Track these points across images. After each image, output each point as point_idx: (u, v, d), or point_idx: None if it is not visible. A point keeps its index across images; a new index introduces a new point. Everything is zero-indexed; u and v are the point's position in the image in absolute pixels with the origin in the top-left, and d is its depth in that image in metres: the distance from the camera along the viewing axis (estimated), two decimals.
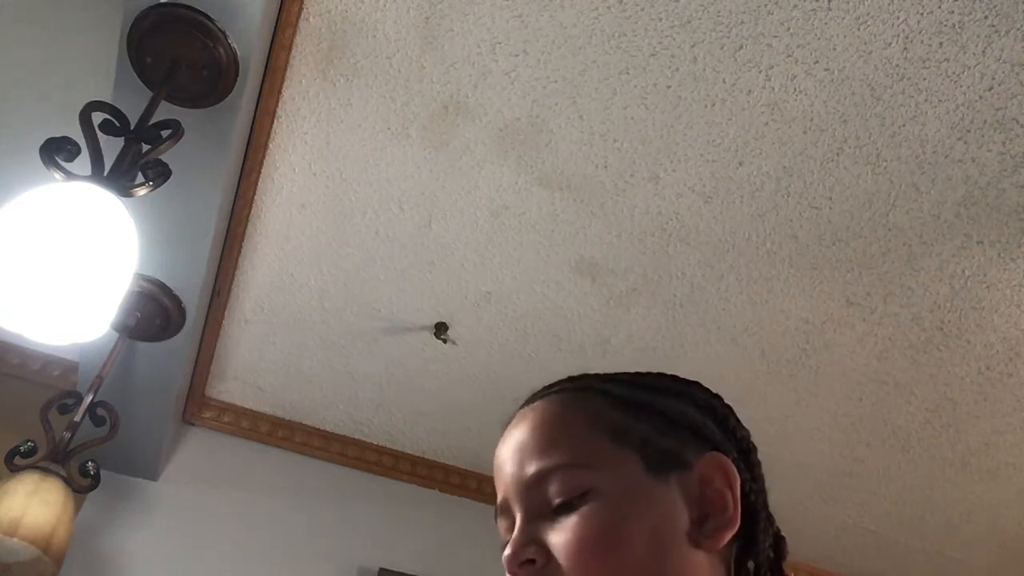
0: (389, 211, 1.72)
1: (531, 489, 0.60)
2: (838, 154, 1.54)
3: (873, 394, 2.02)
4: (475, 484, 2.35)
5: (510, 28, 1.42)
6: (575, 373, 0.69)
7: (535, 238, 1.75)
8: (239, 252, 1.80)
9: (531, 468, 0.60)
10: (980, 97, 1.43)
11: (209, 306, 1.87)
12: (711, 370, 1.97)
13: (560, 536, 0.57)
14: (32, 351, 2.10)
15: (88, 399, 1.59)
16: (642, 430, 0.62)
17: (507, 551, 0.59)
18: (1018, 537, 2.40)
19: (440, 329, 1.94)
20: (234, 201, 1.66)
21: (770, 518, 0.65)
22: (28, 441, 1.55)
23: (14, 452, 1.53)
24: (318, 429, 2.26)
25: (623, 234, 1.72)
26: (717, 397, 0.68)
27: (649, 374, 0.69)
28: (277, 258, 1.84)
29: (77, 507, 1.62)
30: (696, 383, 0.69)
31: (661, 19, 1.38)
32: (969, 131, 1.48)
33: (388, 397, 2.15)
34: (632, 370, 0.70)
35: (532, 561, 0.57)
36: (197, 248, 1.58)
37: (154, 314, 1.66)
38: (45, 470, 1.52)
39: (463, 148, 1.60)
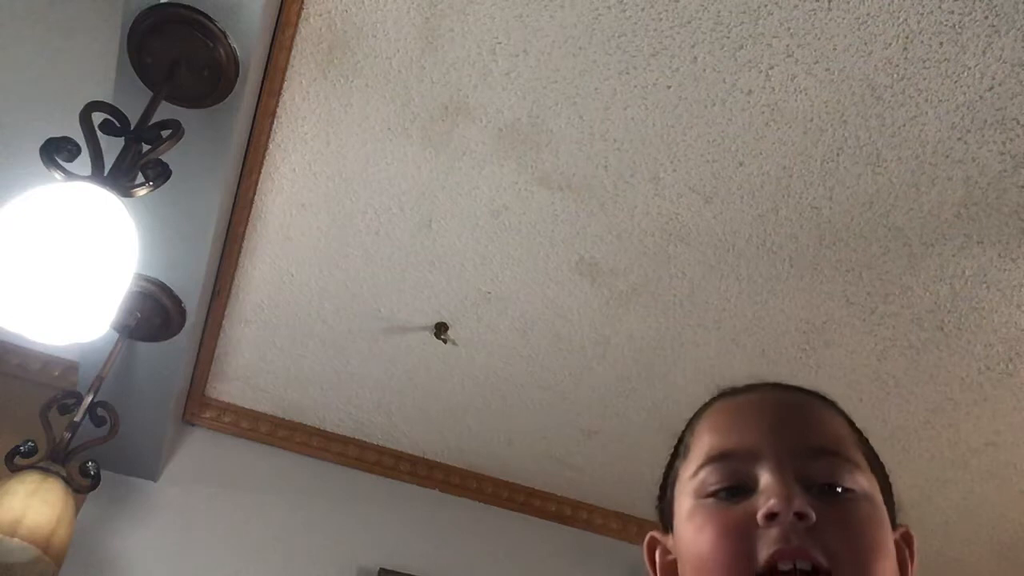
0: (389, 211, 1.72)
1: (807, 457, 0.60)
2: (838, 154, 1.54)
3: (873, 394, 2.02)
4: (475, 484, 2.34)
5: (510, 28, 1.42)
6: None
7: (535, 238, 1.75)
8: (239, 252, 1.80)
9: (816, 440, 0.62)
10: (980, 97, 1.43)
11: (209, 306, 1.87)
12: (711, 370, 1.97)
13: (842, 516, 0.58)
14: (32, 351, 2.10)
15: (88, 399, 1.59)
16: (879, 474, 0.65)
17: (785, 495, 0.57)
18: (1018, 537, 2.40)
19: (440, 329, 1.94)
20: (234, 201, 1.66)
21: None
22: (28, 441, 1.55)
23: (14, 452, 1.53)
24: (318, 429, 2.26)
25: (623, 234, 1.72)
26: None
27: None
28: (277, 258, 1.84)
29: (77, 507, 1.62)
30: None
31: (661, 19, 1.38)
32: (969, 131, 1.48)
33: (388, 397, 2.15)
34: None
35: (804, 517, 0.56)
36: (197, 248, 1.58)
37: (154, 314, 1.66)
38: (45, 470, 1.52)
39: (463, 148, 1.60)
